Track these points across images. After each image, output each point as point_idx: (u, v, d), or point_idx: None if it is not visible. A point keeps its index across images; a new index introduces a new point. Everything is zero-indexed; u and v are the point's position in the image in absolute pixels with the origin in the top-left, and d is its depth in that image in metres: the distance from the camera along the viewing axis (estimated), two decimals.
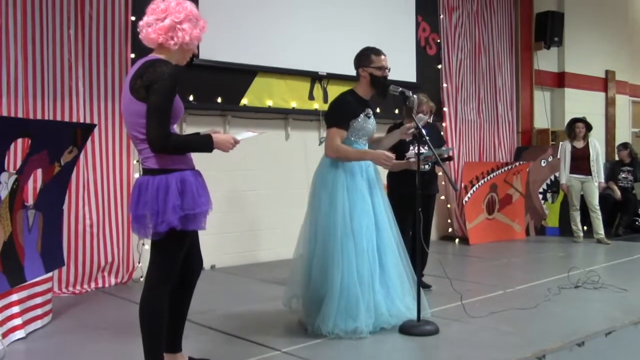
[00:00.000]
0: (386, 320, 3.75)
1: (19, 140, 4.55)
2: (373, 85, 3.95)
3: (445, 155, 5.11)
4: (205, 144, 2.82)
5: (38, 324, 3.90)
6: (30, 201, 3.90)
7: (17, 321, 3.67)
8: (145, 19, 2.80)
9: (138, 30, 2.85)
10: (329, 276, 3.69)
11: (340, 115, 3.87)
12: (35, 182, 4.17)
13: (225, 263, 6.12)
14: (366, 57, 3.98)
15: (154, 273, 2.84)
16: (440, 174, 5.79)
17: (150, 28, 2.77)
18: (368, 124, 3.94)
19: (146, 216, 2.67)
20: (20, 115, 4.79)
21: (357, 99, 3.95)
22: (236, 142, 2.92)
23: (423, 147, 4.03)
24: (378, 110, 7.23)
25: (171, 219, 2.64)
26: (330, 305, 3.64)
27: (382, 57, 3.99)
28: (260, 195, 6.50)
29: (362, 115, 3.89)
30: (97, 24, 5.27)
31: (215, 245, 6.08)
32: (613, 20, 11.10)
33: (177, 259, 2.82)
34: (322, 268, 3.75)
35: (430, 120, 5.09)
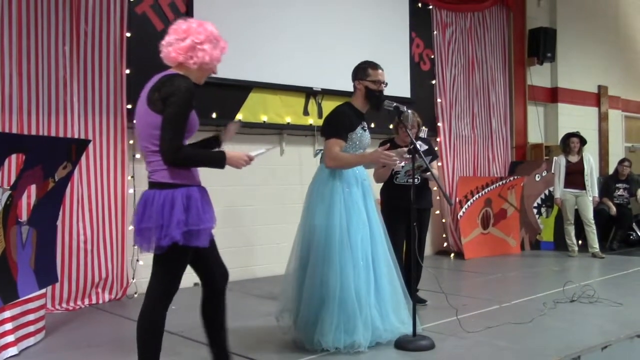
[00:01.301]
0: (381, 334, 3.74)
1: (13, 156, 4.54)
2: (367, 98, 3.99)
3: (424, 166, 5.11)
4: (217, 159, 2.87)
5: (31, 341, 3.87)
6: (24, 217, 3.89)
7: (10, 338, 3.64)
8: (167, 38, 2.87)
9: (159, 49, 2.91)
10: (326, 289, 3.66)
11: (338, 126, 3.88)
12: (29, 197, 4.15)
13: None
14: (363, 70, 4.03)
15: (155, 288, 2.84)
16: (435, 188, 5.80)
17: (171, 47, 2.84)
18: (364, 137, 3.96)
19: (150, 229, 2.68)
20: (14, 130, 4.79)
21: (354, 111, 3.98)
22: (250, 159, 2.96)
23: (416, 161, 4.04)
24: (373, 125, 7.28)
25: (174, 234, 2.64)
26: (329, 320, 3.62)
27: (379, 71, 4.03)
28: (255, 210, 6.49)
29: (359, 128, 3.91)
30: (92, 40, 5.29)
31: None
32: (605, 36, 11.20)
33: (178, 275, 2.82)
34: (318, 281, 3.72)
35: (423, 135, 5.11)
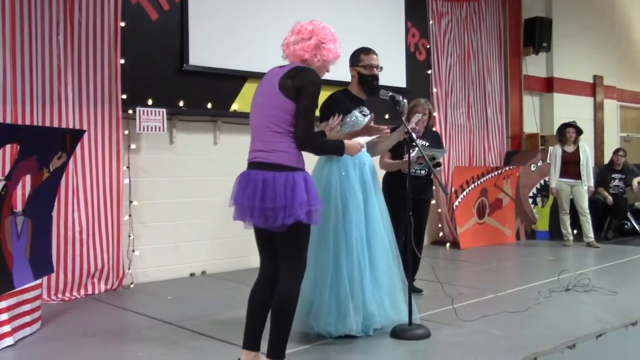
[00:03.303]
0: (375, 320, 3.75)
1: (8, 146, 4.53)
2: (361, 83, 4.03)
3: (437, 160, 5.11)
4: (341, 147, 3.17)
5: (27, 331, 3.87)
6: (19, 207, 3.87)
7: (6, 328, 3.64)
8: (290, 38, 3.15)
9: (281, 48, 3.17)
10: (320, 273, 3.69)
11: (328, 111, 3.85)
12: (24, 188, 4.13)
13: (216, 269, 6.10)
14: (356, 56, 4.07)
15: (296, 267, 3.02)
16: (431, 177, 5.81)
17: (297, 46, 3.10)
18: (364, 121, 3.93)
19: (274, 209, 2.86)
20: (9, 121, 4.76)
21: (350, 96, 4.00)
22: (362, 146, 3.32)
23: (414, 151, 4.04)
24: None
25: (299, 213, 2.86)
26: (321, 304, 3.65)
27: (372, 56, 4.06)
28: None
29: (356, 112, 3.91)
30: (86, 29, 5.26)
31: (207, 251, 6.07)
32: (600, 26, 11.20)
33: (306, 249, 3.06)
34: (312, 265, 3.70)
35: (432, 127, 5.12)
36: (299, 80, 2.95)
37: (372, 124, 3.55)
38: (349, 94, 4.04)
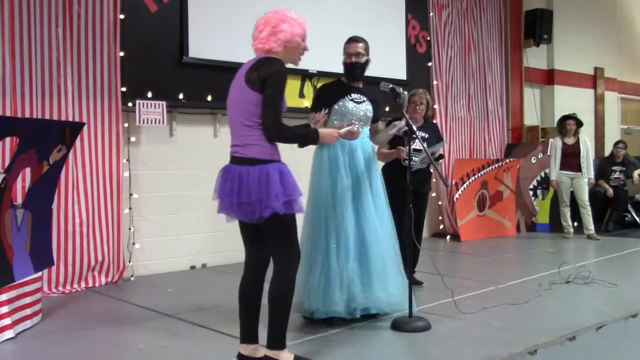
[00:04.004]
0: (362, 302, 3.81)
1: (7, 139, 4.52)
2: (344, 71, 4.14)
3: (437, 155, 5.11)
4: (314, 136, 3.17)
5: (27, 324, 3.87)
6: (19, 200, 3.87)
7: (7, 321, 3.64)
8: (254, 34, 3.14)
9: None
10: (313, 255, 3.81)
11: (315, 101, 4.09)
12: (23, 181, 4.13)
13: (217, 261, 6.11)
14: (343, 47, 4.17)
15: (287, 257, 3.03)
16: (431, 170, 5.80)
17: (256, 40, 3.11)
18: (357, 108, 4.01)
19: (250, 203, 2.89)
20: (8, 113, 4.75)
21: (340, 85, 4.11)
22: (340, 135, 3.28)
23: (414, 143, 4.05)
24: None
25: (274, 204, 2.87)
26: (311, 284, 3.76)
27: (352, 44, 4.13)
28: None
29: (346, 99, 4.00)
30: (86, 22, 5.24)
31: (208, 244, 6.07)
32: (601, 17, 11.16)
33: (295, 237, 3.07)
34: (307, 247, 3.84)
35: (432, 118, 5.14)
36: (263, 71, 2.94)
37: (346, 124, 3.54)
38: (339, 83, 4.15)
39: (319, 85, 6.80)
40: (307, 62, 6.55)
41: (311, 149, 3.75)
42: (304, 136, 3.21)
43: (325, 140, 3.22)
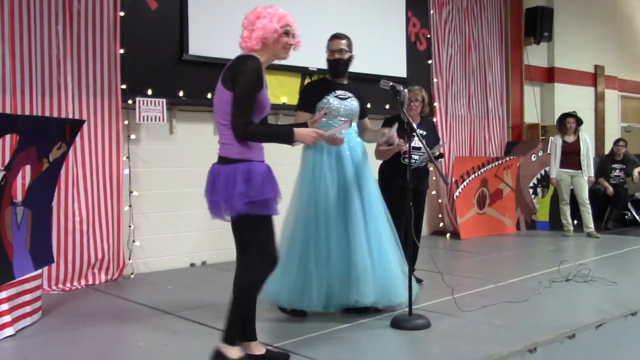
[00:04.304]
0: (335, 298, 3.88)
1: (7, 137, 4.52)
2: (328, 68, 4.16)
3: (437, 153, 5.10)
4: (286, 134, 3.05)
5: (27, 321, 3.88)
6: (19, 198, 3.87)
7: (6, 318, 3.64)
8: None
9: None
10: (291, 252, 3.87)
11: (300, 99, 4.16)
12: (23, 178, 4.13)
13: (217, 259, 6.10)
14: (326, 44, 4.19)
15: (248, 258, 3.06)
16: (431, 168, 5.80)
17: (241, 39, 3.09)
18: (341, 105, 4.04)
19: (219, 202, 2.93)
20: (8, 111, 4.75)
21: (325, 82, 4.15)
22: (320, 134, 3.11)
23: (413, 141, 4.05)
24: (369, 105, 7.24)
25: (236, 205, 2.87)
26: (287, 280, 3.82)
27: (334, 41, 4.16)
28: None
29: (331, 96, 4.02)
30: (86, 19, 5.23)
31: (206, 242, 6.07)
32: (602, 15, 11.15)
33: (267, 238, 3.02)
34: (285, 244, 3.91)
35: (432, 117, 5.13)
36: (234, 69, 2.94)
37: (324, 117, 3.51)
38: (324, 80, 4.20)
39: None
40: (307, 60, 6.63)
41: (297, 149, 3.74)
42: (276, 135, 3.12)
43: (302, 140, 3.07)
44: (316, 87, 4.15)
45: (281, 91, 6.58)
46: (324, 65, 4.24)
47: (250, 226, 2.97)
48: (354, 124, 4.09)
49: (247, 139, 2.92)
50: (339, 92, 4.08)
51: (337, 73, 4.15)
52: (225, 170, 2.92)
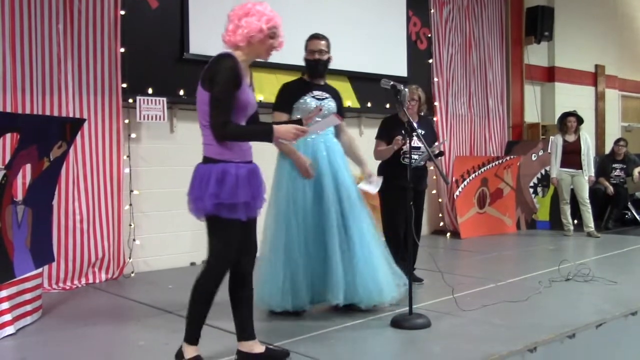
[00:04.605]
0: (306, 300, 3.92)
1: (8, 135, 4.52)
2: (306, 68, 4.16)
3: (437, 151, 5.11)
4: (264, 132, 3.00)
5: (28, 320, 3.88)
6: (20, 197, 3.88)
7: (7, 317, 3.64)
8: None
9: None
10: (274, 257, 3.88)
11: (277, 100, 4.14)
12: (24, 177, 4.14)
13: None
14: (305, 43, 4.19)
15: (210, 258, 3.04)
16: (431, 168, 5.80)
17: (224, 33, 3.03)
18: (319, 105, 4.00)
19: (190, 201, 2.95)
20: (8, 110, 4.75)
21: (302, 83, 4.14)
22: (302, 130, 3.03)
23: (417, 141, 4.04)
24: (369, 104, 7.26)
25: (206, 205, 2.87)
26: (276, 282, 3.84)
27: (314, 41, 4.15)
28: None
29: (308, 97, 4.05)
30: (86, 18, 5.24)
31: (201, 242, 6.06)
32: (603, 15, 11.14)
33: (228, 244, 2.98)
34: (266, 246, 3.94)
35: (431, 115, 5.13)
36: (211, 69, 2.92)
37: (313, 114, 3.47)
38: (301, 81, 4.18)
39: None
40: None
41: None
42: (255, 134, 3.05)
43: (283, 136, 2.99)
44: (293, 88, 4.13)
45: None
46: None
47: (215, 227, 2.96)
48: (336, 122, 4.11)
49: (226, 139, 2.91)
50: (316, 93, 4.09)
51: (315, 73, 4.15)
52: (202, 170, 2.93)
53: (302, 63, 4.00)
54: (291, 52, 7.12)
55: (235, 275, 3.14)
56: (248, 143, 3.03)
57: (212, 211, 2.88)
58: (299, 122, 3.26)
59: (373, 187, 4.16)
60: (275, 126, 3.01)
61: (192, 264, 6.04)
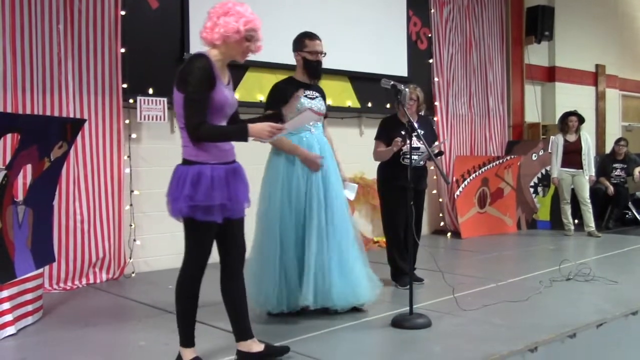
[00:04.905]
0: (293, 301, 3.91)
1: (8, 136, 4.53)
2: (305, 68, 4.09)
3: (437, 151, 5.11)
4: (239, 132, 2.95)
5: (29, 320, 3.88)
6: (20, 197, 3.88)
7: (8, 317, 3.65)
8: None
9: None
10: (265, 259, 3.87)
11: (269, 101, 4.09)
12: (25, 177, 4.14)
13: (216, 258, 6.02)
14: (300, 41, 4.12)
15: (185, 258, 3.04)
16: (432, 168, 5.80)
17: (202, 29, 3.01)
18: (311, 105, 4.02)
19: (167, 201, 2.95)
20: (9, 110, 4.75)
21: (293, 83, 4.08)
22: (277, 128, 2.97)
23: (417, 142, 4.04)
24: (370, 104, 7.26)
25: (181, 206, 2.86)
26: (272, 283, 3.84)
27: (316, 41, 4.11)
28: None
29: (301, 98, 3.98)
30: (87, 18, 5.24)
31: None
32: (603, 14, 11.14)
33: (201, 245, 2.98)
34: (259, 248, 3.93)
35: (431, 115, 5.12)
36: (183, 70, 2.88)
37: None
38: (293, 81, 4.12)
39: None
40: None
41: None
42: (230, 134, 2.98)
43: (258, 135, 2.93)
44: (285, 88, 4.06)
45: None
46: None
47: (190, 229, 2.95)
48: (320, 124, 4.11)
49: (201, 140, 2.86)
50: (307, 92, 4.07)
51: (316, 74, 4.12)
52: (179, 172, 2.92)
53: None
54: (290, 53, 7.11)
55: (225, 271, 3.14)
56: (230, 143, 3.00)
57: (187, 213, 2.86)
58: (277, 115, 3.25)
59: (348, 192, 4.15)
60: (250, 125, 2.95)
61: None
